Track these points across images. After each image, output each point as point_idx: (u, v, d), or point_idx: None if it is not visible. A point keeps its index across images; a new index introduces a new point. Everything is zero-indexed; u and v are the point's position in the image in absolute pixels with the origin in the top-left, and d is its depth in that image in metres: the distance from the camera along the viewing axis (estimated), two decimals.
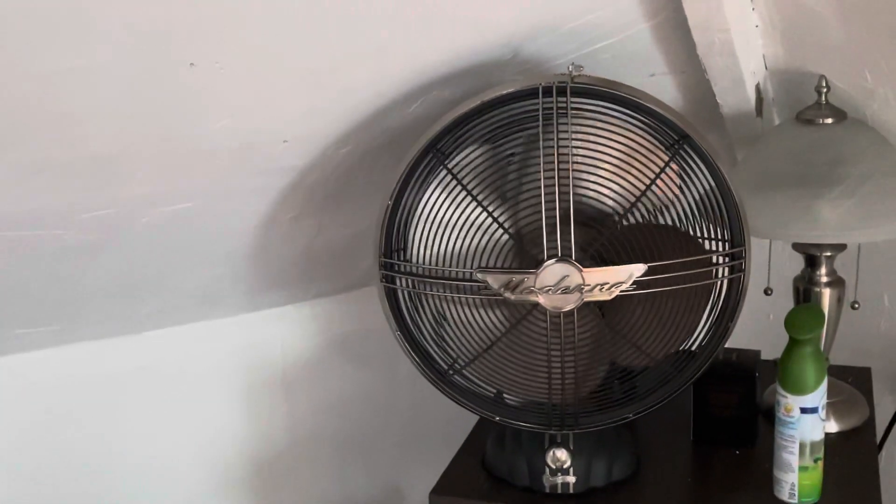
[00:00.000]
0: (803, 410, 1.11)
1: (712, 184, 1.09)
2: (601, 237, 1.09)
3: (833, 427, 1.29)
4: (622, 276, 1.06)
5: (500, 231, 1.11)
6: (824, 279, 1.30)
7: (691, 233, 1.12)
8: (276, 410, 1.63)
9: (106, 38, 0.90)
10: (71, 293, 1.32)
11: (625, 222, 1.10)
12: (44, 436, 1.43)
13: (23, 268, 1.22)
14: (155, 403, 1.51)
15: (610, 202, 1.09)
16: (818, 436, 1.12)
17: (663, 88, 1.38)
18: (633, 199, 1.08)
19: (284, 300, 1.59)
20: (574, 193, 1.06)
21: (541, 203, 1.06)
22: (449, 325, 1.15)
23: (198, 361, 1.54)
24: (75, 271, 1.28)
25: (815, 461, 1.13)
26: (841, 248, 1.29)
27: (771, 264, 1.35)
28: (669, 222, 1.12)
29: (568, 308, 1.08)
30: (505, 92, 1.08)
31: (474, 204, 1.11)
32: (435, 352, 1.17)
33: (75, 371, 1.43)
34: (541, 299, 1.07)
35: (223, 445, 1.59)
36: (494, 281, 1.08)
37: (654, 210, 1.10)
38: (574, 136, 1.06)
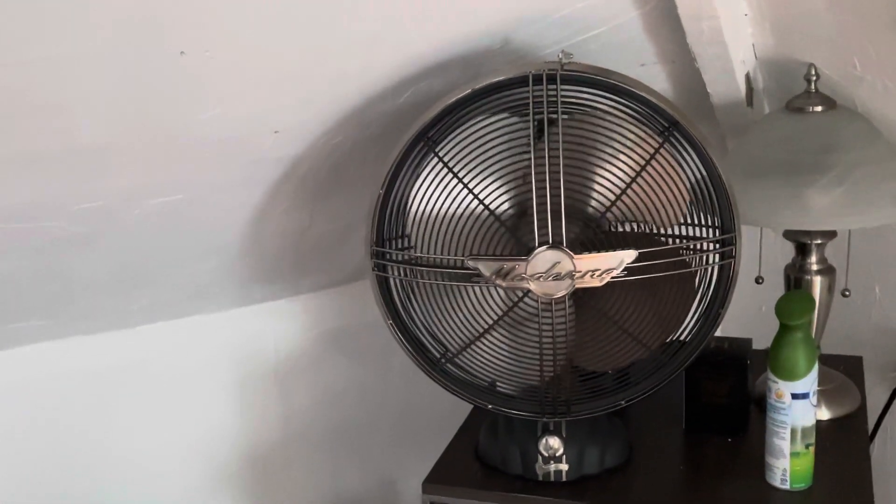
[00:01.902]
0: (794, 396, 1.11)
1: (703, 171, 1.09)
2: (592, 224, 1.09)
3: (825, 414, 1.29)
4: (613, 263, 1.06)
5: (492, 218, 1.11)
6: (815, 267, 1.30)
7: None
8: (270, 405, 1.62)
9: (94, 26, 0.89)
10: (61, 287, 1.31)
11: (615, 209, 1.10)
12: (34, 431, 1.42)
13: (12, 262, 1.22)
14: (147, 398, 1.51)
15: (601, 189, 1.09)
16: (809, 422, 1.13)
17: (653, 78, 1.38)
18: (623, 186, 1.08)
19: (277, 294, 1.59)
20: (565, 181, 1.06)
21: (531, 190, 1.06)
22: (441, 313, 1.15)
23: (190, 356, 1.54)
24: (66, 265, 1.27)
25: (807, 447, 1.13)
26: (831, 235, 1.30)
27: (762, 255, 1.35)
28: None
29: (559, 295, 1.08)
30: (495, 80, 1.08)
31: (465, 192, 1.11)
32: (427, 340, 1.17)
33: (66, 366, 1.42)
34: (532, 286, 1.07)
35: (216, 440, 1.59)
36: (486, 268, 1.08)
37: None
38: (564, 123, 1.06)
